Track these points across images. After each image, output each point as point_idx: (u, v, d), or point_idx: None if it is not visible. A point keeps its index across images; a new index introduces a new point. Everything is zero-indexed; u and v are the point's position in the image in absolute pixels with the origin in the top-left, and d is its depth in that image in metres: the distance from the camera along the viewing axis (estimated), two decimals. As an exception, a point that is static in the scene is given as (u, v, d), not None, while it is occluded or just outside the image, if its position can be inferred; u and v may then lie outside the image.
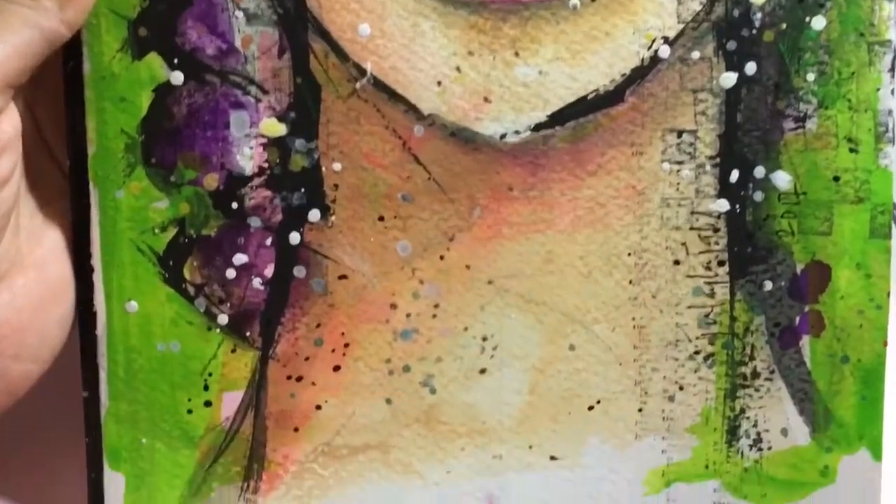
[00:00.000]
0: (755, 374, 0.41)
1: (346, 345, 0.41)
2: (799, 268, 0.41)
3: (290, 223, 0.40)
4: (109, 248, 0.40)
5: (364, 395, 0.41)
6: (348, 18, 0.39)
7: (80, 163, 0.39)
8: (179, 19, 0.38)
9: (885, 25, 0.39)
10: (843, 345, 0.41)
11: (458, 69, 0.39)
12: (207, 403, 0.41)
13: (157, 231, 0.40)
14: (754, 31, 0.39)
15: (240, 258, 0.40)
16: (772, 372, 0.41)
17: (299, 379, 0.41)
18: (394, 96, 0.39)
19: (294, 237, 0.40)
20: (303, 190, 0.40)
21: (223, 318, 0.40)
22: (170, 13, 0.38)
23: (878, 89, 0.39)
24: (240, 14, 0.38)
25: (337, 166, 0.39)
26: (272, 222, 0.40)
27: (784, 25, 0.39)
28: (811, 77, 0.39)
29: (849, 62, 0.39)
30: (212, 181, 0.39)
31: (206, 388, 0.41)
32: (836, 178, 0.40)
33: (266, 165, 0.39)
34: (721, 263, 0.41)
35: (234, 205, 0.39)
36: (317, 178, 0.40)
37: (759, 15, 0.39)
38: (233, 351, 0.40)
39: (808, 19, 0.39)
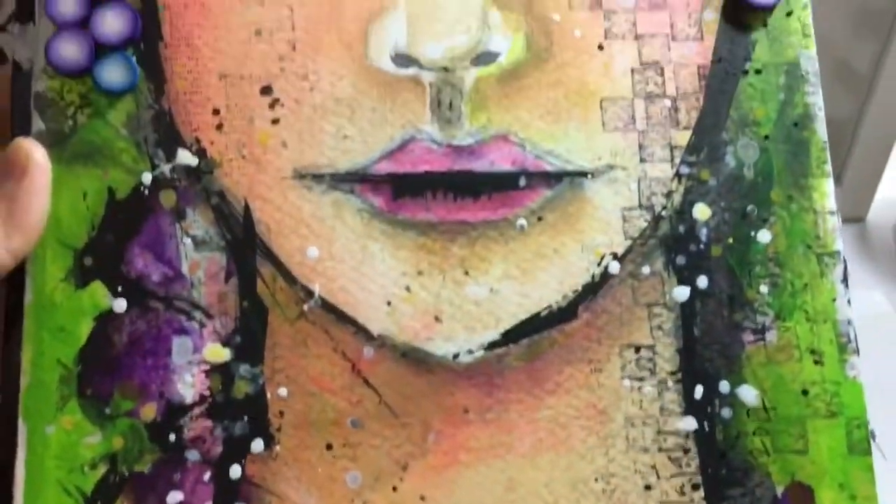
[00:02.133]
0: None
1: None
2: (779, 490, 0.34)
3: (230, 455, 0.33)
4: (33, 491, 0.33)
5: None
6: (297, 242, 0.35)
7: (12, 397, 0.33)
8: (127, 248, 0.34)
9: (831, 237, 0.36)
10: (840, 576, 0.33)
11: (407, 289, 0.34)
12: None
13: (86, 469, 0.33)
14: (702, 246, 0.35)
15: (174, 496, 0.33)
16: None
17: None
18: (342, 318, 0.34)
19: (235, 471, 0.33)
20: (246, 418, 0.34)
21: (152, 566, 0.32)
22: (118, 242, 0.34)
23: (834, 300, 0.35)
24: (188, 241, 0.34)
25: (283, 392, 0.34)
26: (211, 455, 0.33)
27: (731, 240, 0.35)
28: (765, 289, 0.35)
29: (800, 274, 0.35)
30: (149, 412, 0.33)
31: None
32: (805, 392, 0.34)
33: (208, 393, 0.34)
34: (695, 487, 0.34)
35: (172, 437, 0.33)
36: (261, 405, 0.34)
37: (704, 230, 0.35)
38: None
39: (753, 233, 0.36)
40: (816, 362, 0.35)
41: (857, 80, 0.77)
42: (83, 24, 0.35)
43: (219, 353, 0.34)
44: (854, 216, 0.88)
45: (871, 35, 0.76)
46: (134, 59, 0.35)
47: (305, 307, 0.34)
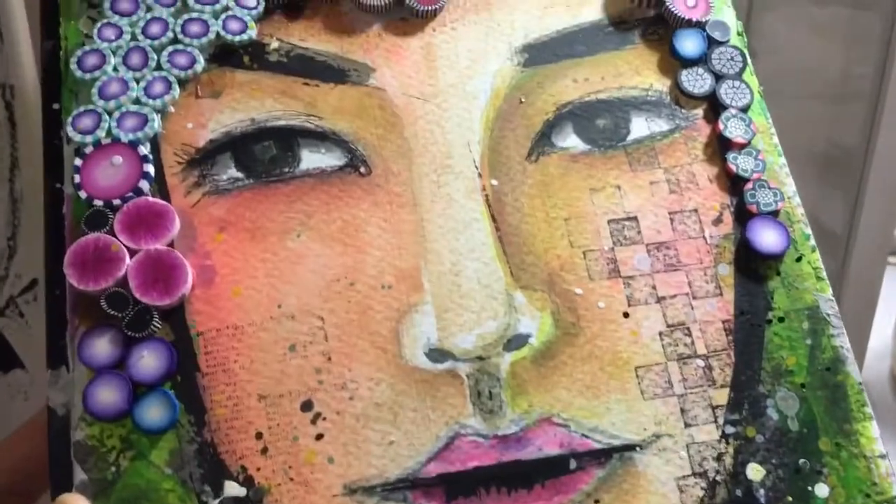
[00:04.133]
0: None
1: None
2: None
3: None
4: None
5: None
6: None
7: None
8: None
9: (887, 483, 0.34)
10: None
11: None
12: None
13: None
14: (763, 513, 0.33)
15: None
16: None
17: None
18: None
19: None
20: None
21: None
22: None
23: (904, 550, 0.33)
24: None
25: None
26: None
27: (790, 498, 0.34)
28: (833, 547, 0.33)
29: (865, 527, 0.33)
30: None
31: None
32: None
33: None
34: None
35: None
36: None
37: (762, 491, 0.34)
38: None
39: (810, 488, 0.34)
40: None
41: (834, 239, 0.77)
42: (119, 365, 0.34)
43: None
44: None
45: (840, 187, 0.76)
46: (173, 393, 0.34)
47: None
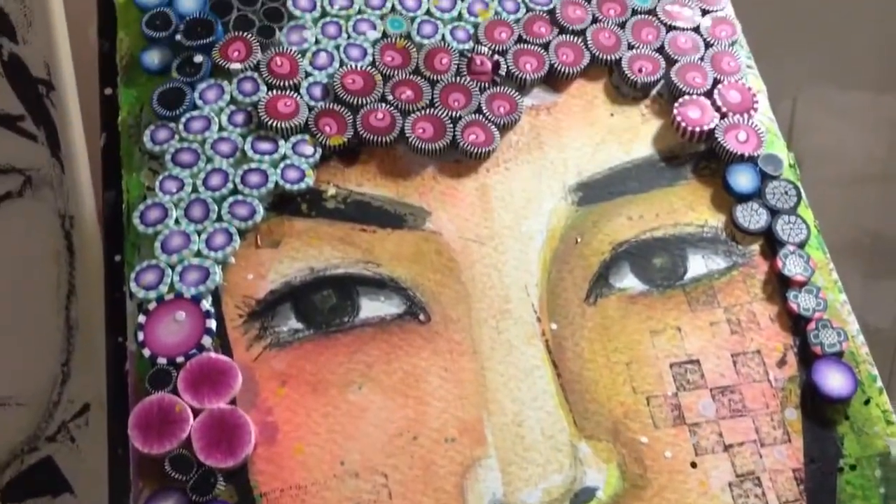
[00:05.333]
0: None
1: None
2: None
3: None
4: None
5: None
6: None
7: None
8: None
9: None
10: None
11: None
12: None
13: None
14: None
15: None
16: None
17: None
18: None
19: None
20: None
21: None
22: None
23: None
24: None
25: None
26: None
27: None
28: None
29: None
30: None
31: None
32: None
33: None
34: None
35: None
36: None
37: None
38: None
39: None
40: None
41: (880, 336, 0.74)
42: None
43: None
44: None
45: (887, 279, 0.73)
46: (238, 560, 0.33)
47: None
